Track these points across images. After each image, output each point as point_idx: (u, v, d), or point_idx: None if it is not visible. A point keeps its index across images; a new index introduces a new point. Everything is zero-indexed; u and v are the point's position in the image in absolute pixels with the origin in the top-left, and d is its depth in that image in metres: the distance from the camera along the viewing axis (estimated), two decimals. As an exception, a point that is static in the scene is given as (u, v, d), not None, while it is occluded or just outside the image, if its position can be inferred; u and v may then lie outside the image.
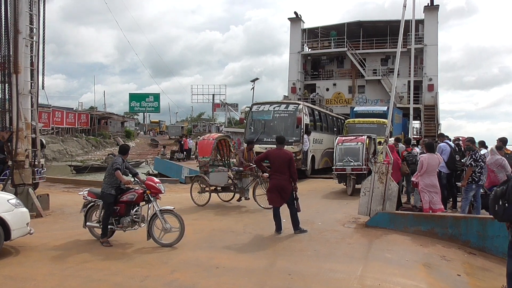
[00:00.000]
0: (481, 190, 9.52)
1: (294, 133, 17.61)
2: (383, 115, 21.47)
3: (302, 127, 17.49)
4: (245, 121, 19.38)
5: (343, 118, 26.03)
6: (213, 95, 68.94)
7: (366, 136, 13.86)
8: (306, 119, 18.07)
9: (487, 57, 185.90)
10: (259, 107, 18.95)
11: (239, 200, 11.54)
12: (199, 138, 31.27)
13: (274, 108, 18.48)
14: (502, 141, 9.98)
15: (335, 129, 23.70)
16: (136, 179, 7.46)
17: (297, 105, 18.24)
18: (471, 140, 9.90)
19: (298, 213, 8.20)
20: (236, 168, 11.51)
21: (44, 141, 13.49)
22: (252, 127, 18.84)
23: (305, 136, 17.82)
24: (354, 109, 25.24)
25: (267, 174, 8.94)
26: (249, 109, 19.18)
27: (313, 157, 19.28)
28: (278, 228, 8.17)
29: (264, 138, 17.76)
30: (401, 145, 12.26)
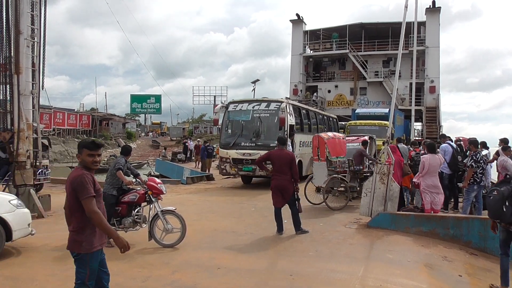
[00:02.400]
0: (483, 191, 9.51)
1: (276, 136, 14.22)
2: (385, 117, 21.41)
3: (286, 128, 15.05)
4: (220, 123, 16.75)
5: (335, 117, 25.17)
6: (215, 96, 68.89)
7: (368, 137, 13.75)
8: (290, 120, 15.72)
9: (491, 59, 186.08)
10: (236, 106, 16.35)
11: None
12: (198, 141, 31.24)
13: (253, 107, 15.93)
14: (504, 142, 9.99)
15: (325, 129, 21.62)
16: (137, 179, 7.48)
17: (279, 104, 15.68)
18: (471, 141, 9.89)
19: (299, 213, 8.20)
20: (358, 167, 11.28)
21: (49, 142, 13.52)
22: (228, 129, 16.40)
23: (289, 139, 15.32)
24: (356, 111, 25.20)
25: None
26: (225, 108, 16.73)
27: (300, 162, 16.26)
28: (280, 228, 8.17)
29: (241, 142, 15.49)
30: (402, 145, 12.20)
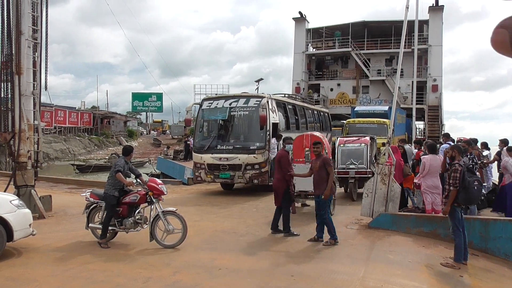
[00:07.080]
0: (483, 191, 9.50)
1: (257, 137, 13.38)
2: (384, 115, 21.38)
3: (268, 128, 13.23)
4: (193, 123, 14.06)
5: (327, 111, 24.28)
6: (216, 95, 68.78)
7: (369, 137, 13.60)
8: (273, 117, 13.80)
9: (496, 58, 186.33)
10: (211, 103, 14.30)
11: None
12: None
13: (230, 104, 13.94)
14: (504, 143, 9.98)
15: (317, 125, 20.05)
16: (138, 180, 7.46)
17: (260, 99, 13.63)
18: (468, 141, 9.87)
19: (292, 214, 8.19)
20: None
21: None
22: (202, 130, 14.70)
23: (273, 140, 13.33)
24: (355, 109, 25.19)
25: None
26: (198, 106, 14.74)
27: None
28: (272, 227, 8.23)
29: (218, 145, 13.68)
30: (408, 146, 12.14)
